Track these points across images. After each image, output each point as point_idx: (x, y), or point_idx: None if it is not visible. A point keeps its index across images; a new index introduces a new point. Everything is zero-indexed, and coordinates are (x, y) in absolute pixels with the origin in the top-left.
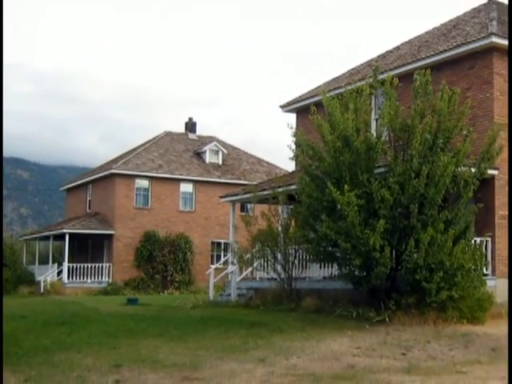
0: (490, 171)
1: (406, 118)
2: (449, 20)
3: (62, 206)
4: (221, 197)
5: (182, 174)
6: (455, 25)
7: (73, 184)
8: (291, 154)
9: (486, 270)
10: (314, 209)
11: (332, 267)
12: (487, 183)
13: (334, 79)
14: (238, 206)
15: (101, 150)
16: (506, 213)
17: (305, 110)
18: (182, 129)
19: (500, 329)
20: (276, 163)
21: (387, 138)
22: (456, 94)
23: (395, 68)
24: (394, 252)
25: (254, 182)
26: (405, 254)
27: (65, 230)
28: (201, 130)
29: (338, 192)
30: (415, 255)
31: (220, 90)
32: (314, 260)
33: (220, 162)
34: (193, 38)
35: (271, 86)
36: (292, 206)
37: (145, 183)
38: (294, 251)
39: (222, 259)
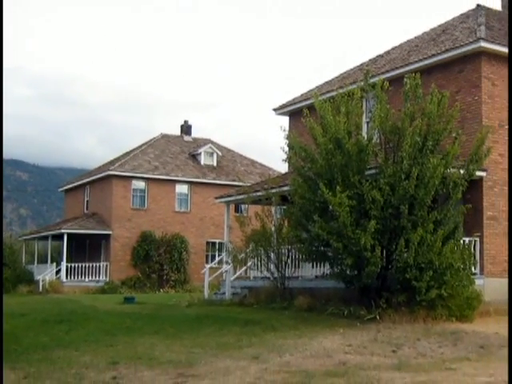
0: (479, 173)
1: (397, 121)
2: (438, 25)
3: (61, 207)
4: (215, 198)
5: (177, 176)
6: (444, 30)
7: (71, 185)
8: (284, 156)
9: (475, 269)
10: (306, 209)
11: (324, 266)
12: (476, 184)
13: (326, 83)
14: (232, 206)
15: (98, 152)
16: (494, 213)
17: (297, 112)
18: (177, 131)
19: (488, 327)
20: (269, 165)
21: (378, 141)
22: (445, 97)
23: (386, 72)
24: (384, 252)
25: (248, 184)
26: (395, 253)
27: (63, 230)
28: (196, 133)
29: (330, 193)
30: (405, 255)
31: (215, 93)
32: (306, 259)
33: (215, 164)
34: (188, 42)
35: (265, 89)
36: (285, 207)
37: (141, 184)
38: (286, 251)
39: (217, 259)
